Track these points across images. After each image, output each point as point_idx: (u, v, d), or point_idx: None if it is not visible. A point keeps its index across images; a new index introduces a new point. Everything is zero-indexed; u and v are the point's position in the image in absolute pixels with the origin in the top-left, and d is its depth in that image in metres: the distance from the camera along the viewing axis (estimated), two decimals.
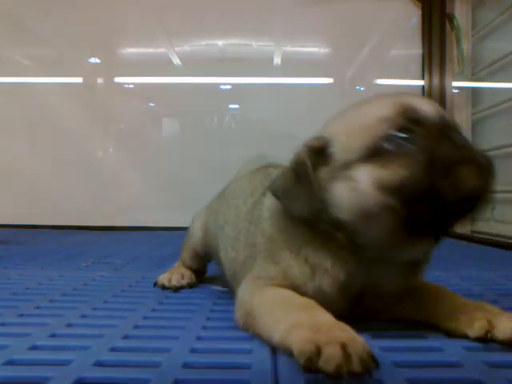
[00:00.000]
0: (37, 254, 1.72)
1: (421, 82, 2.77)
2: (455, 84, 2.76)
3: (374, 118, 0.72)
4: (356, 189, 0.70)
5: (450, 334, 0.74)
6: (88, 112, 2.88)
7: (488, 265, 1.50)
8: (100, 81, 2.94)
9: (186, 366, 0.62)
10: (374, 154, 0.70)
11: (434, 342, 0.72)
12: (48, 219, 2.79)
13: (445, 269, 1.40)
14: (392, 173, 0.68)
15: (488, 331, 0.69)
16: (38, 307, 0.93)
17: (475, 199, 0.69)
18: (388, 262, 0.76)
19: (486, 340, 0.69)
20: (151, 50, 2.91)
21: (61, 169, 2.83)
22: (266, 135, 2.82)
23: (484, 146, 2.61)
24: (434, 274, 1.30)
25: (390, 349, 0.68)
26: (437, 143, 0.68)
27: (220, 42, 2.87)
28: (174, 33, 2.85)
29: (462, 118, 2.74)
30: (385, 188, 0.68)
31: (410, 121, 0.70)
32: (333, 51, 2.90)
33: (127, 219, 2.83)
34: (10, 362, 0.63)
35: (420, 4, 2.80)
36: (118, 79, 2.95)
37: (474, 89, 2.75)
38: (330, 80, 2.88)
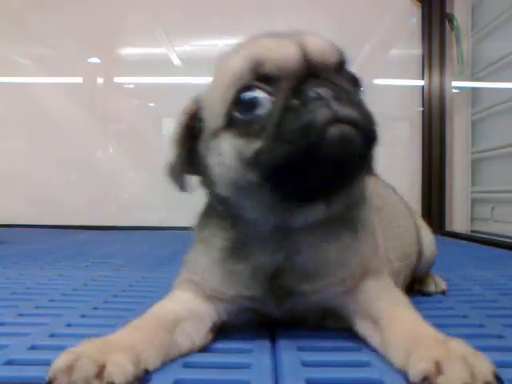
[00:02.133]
0: (37, 254, 1.72)
1: (421, 82, 2.77)
2: (455, 84, 2.76)
3: (228, 77, 0.65)
4: (222, 162, 0.64)
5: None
6: (88, 112, 2.88)
7: (488, 264, 1.50)
8: (100, 81, 2.94)
9: (186, 366, 0.62)
10: (232, 121, 0.63)
11: None
12: (48, 219, 2.79)
13: (445, 269, 1.40)
14: (246, 144, 0.61)
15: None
16: (37, 307, 0.93)
17: (342, 155, 0.59)
18: (289, 234, 0.67)
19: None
20: (151, 50, 2.91)
21: (60, 168, 2.82)
22: None
23: (483, 146, 2.61)
24: (436, 274, 1.30)
25: None
26: (288, 103, 0.59)
27: (220, 42, 2.86)
28: (173, 33, 2.85)
29: (462, 118, 2.74)
30: (243, 161, 0.61)
31: (259, 78, 0.62)
32: None
33: (127, 219, 2.83)
34: (10, 362, 0.63)
35: (420, 4, 2.80)
36: (117, 79, 2.95)
37: (473, 89, 2.75)
38: None
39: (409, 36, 2.84)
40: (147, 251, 1.88)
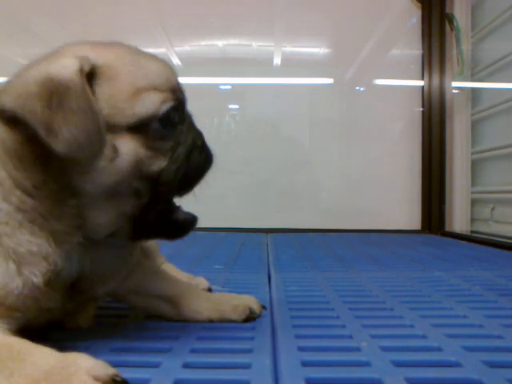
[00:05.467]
0: None
1: (421, 83, 2.77)
2: (455, 84, 2.76)
3: (154, 77, 0.65)
4: (114, 161, 0.60)
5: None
6: None
7: (488, 265, 1.50)
8: None
9: (185, 366, 0.62)
10: (144, 127, 0.62)
11: (433, 342, 0.72)
12: None
13: (445, 269, 1.40)
14: (153, 157, 0.63)
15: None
16: None
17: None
18: (110, 245, 0.69)
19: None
20: (151, 50, 2.89)
21: None
22: (265, 135, 2.82)
23: (483, 147, 2.61)
24: (435, 275, 1.31)
25: (389, 349, 0.68)
26: (193, 139, 0.69)
27: (220, 43, 2.86)
28: (173, 33, 2.85)
29: (462, 119, 2.75)
30: (142, 171, 0.63)
31: (180, 102, 0.68)
32: (333, 51, 2.90)
33: None
34: None
35: (420, 4, 2.80)
36: None
37: (473, 89, 2.75)
38: (329, 80, 2.88)
39: (409, 36, 2.84)
40: None
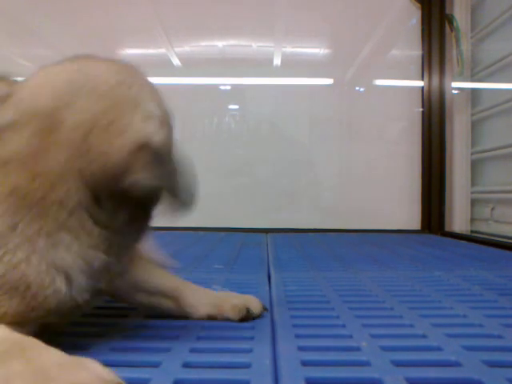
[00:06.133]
0: None
1: (420, 83, 2.78)
2: (455, 85, 2.76)
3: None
4: None
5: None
6: None
7: (488, 265, 1.50)
8: None
9: (185, 365, 0.62)
10: None
11: (433, 341, 0.72)
12: None
13: (445, 269, 1.40)
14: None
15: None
16: None
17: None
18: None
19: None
20: (151, 51, 2.91)
21: None
22: (265, 136, 2.83)
23: (483, 147, 2.61)
24: (434, 275, 1.31)
25: (388, 348, 0.68)
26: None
27: (220, 43, 2.87)
28: (173, 33, 2.85)
29: (462, 119, 2.75)
30: None
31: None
32: (332, 52, 2.90)
33: None
34: None
35: (420, 5, 2.80)
36: None
37: (473, 90, 2.75)
38: (329, 81, 2.88)
39: (408, 37, 2.84)
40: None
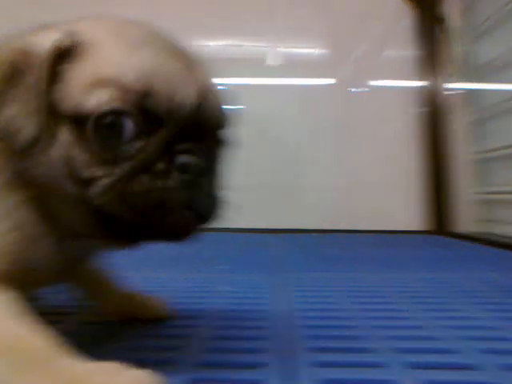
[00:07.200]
0: None
1: (415, 84, 2.78)
2: (448, 86, 2.77)
3: (133, 70, 0.52)
4: (49, 150, 0.53)
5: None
6: None
7: (490, 265, 1.50)
8: None
9: (199, 365, 0.61)
10: (83, 125, 0.52)
11: (446, 344, 0.71)
12: None
13: (448, 269, 1.40)
14: (88, 164, 0.52)
15: None
16: None
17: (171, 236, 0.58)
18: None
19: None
20: None
21: None
22: (263, 136, 2.81)
23: (478, 148, 2.61)
24: (446, 276, 1.30)
25: (403, 351, 0.67)
26: (155, 160, 0.52)
27: (217, 43, 2.86)
28: (170, 33, 2.84)
29: (456, 120, 2.75)
30: (76, 175, 0.53)
31: (142, 109, 0.52)
32: (329, 53, 2.90)
33: None
34: None
35: (413, 6, 2.81)
36: None
37: (466, 90, 2.76)
38: (327, 81, 2.88)
39: (403, 38, 2.85)
40: (150, 251, 1.86)
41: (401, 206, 2.74)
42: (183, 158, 0.53)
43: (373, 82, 2.86)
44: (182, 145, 0.53)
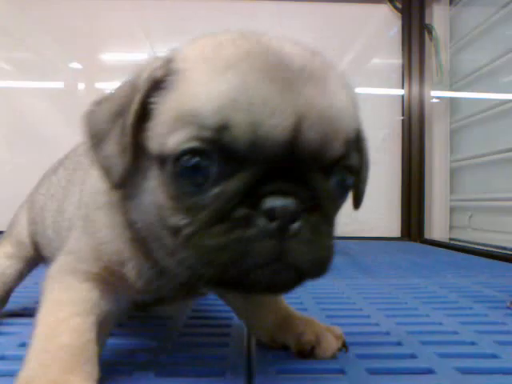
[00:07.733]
0: None
1: (401, 92, 2.81)
2: (434, 94, 2.81)
3: (211, 101, 0.44)
4: (139, 196, 0.51)
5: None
6: (69, 117, 2.85)
7: (465, 272, 1.52)
8: (81, 86, 2.92)
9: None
10: (164, 168, 0.47)
11: (407, 349, 0.72)
12: None
13: (423, 276, 1.42)
14: (174, 211, 0.47)
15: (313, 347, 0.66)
16: (25, 308, 0.96)
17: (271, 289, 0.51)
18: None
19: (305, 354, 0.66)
20: (133, 55, 2.90)
21: (41, 174, 2.78)
22: None
23: (461, 155, 2.65)
24: (413, 282, 1.32)
25: (364, 356, 0.69)
26: (236, 205, 0.45)
27: None
28: (155, 38, 2.84)
29: (441, 127, 2.79)
30: (165, 222, 0.49)
31: (234, 147, 0.44)
32: None
33: None
34: (2, 358, 0.68)
35: (400, 15, 2.84)
36: (99, 84, 2.93)
37: (452, 98, 2.80)
38: None
39: (389, 46, 2.88)
40: None
41: (378, 213, 2.76)
42: (270, 202, 0.44)
43: (359, 90, 2.88)
44: (271, 185, 0.44)
